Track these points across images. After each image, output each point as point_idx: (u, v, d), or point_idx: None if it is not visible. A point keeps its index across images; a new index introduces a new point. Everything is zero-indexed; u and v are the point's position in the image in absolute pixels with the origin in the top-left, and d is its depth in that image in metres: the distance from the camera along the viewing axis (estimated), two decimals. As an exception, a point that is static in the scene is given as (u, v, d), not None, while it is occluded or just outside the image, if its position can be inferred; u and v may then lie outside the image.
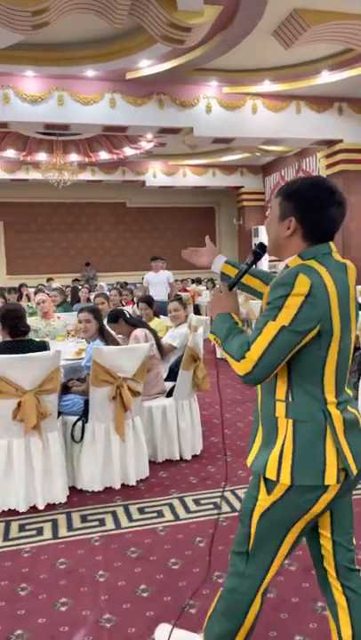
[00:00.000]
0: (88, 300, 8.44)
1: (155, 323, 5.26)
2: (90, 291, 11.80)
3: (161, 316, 5.56)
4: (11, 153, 13.12)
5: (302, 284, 1.46)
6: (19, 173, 13.89)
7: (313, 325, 1.47)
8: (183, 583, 2.51)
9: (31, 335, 5.54)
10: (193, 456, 4.08)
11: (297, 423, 1.53)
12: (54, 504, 3.33)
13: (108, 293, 9.68)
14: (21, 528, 3.09)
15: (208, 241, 2.05)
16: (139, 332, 4.23)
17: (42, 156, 13.11)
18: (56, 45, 8.02)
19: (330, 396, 1.53)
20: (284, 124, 9.92)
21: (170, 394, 4.09)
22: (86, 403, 3.56)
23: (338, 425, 1.52)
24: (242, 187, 15.39)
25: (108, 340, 3.87)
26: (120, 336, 4.35)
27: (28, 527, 3.10)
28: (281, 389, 1.56)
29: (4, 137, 12.47)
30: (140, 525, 3.08)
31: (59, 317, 5.52)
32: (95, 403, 3.48)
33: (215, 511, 3.21)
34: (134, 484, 3.59)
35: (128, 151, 13.40)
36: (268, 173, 14.98)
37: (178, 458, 4.01)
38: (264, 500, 1.58)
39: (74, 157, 13.38)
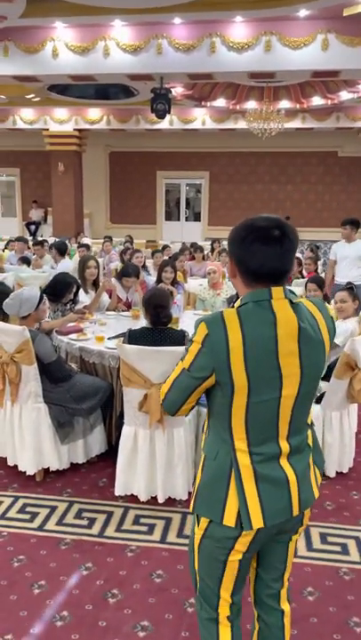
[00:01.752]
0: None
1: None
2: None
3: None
4: (221, 102, 12.92)
5: (200, 333, 1.47)
6: (227, 123, 13.67)
7: (206, 374, 1.47)
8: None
9: (198, 305, 5.51)
10: (337, 473, 3.60)
11: (206, 458, 1.58)
12: (175, 499, 3.24)
13: (300, 257, 9.12)
14: (136, 520, 3.08)
15: None
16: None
17: (251, 104, 12.65)
18: (266, -15, 7.39)
19: (240, 444, 1.50)
20: None
21: (319, 399, 3.62)
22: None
23: (245, 474, 1.49)
24: None
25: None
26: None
27: (142, 520, 3.08)
28: (206, 423, 1.63)
29: (215, 86, 12.29)
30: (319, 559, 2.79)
31: (218, 294, 5.29)
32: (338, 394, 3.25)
33: (340, 558, 2.78)
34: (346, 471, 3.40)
35: (344, 95, 12.14)
36: None
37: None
38: (197, 533, 1.61)
39: (284, 104, 12.62)
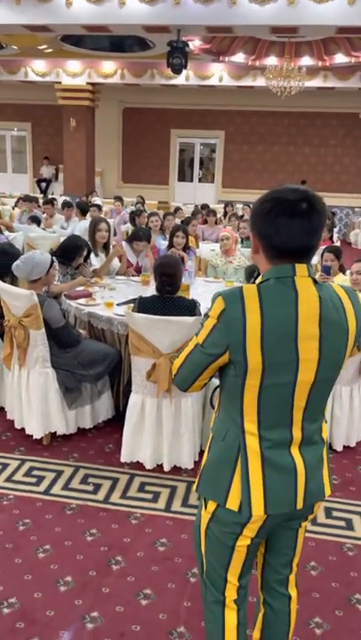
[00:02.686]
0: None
1: (339, 279, 4.60)
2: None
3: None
4: (240, 57, 12.45)
5: (217, 308, 1.41)
6: (245, 80, 13.20)
7: (220, 351, 1.42)
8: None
9: (209, 272, 5.42)
10: (345, 447, 3.59)
11: (213, 439, 1.55)
12: (180, 468, 3.25)
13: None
14: (141, 487, 3.09)
15: None
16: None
17: (271, 60, 12.16)
18: None
19: (250, 426, 1.45)
20: None
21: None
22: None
23: (252, 458, 1.45)
24: None
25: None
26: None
27: (147, 488, 3.09)
28: (217, 403, 1.58)
29: (234, 40, 11.80)
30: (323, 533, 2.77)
31: (230, 262, 5.18)
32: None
33: (344, 533, 2.78)
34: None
35: (369, 53, 11.64)
36: None
37: (326, 446, 3.55)
38: (204, 517, 1.58)
39: (306, 61, 12.13)
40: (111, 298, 4.01)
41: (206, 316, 1.44)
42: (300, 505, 1.49)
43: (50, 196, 12.23)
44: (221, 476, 1.49)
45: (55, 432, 3.48)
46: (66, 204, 8.42)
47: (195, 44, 11.13)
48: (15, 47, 11.58)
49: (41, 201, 9.43)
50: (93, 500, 2.95)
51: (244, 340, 1.36)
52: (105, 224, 4.91)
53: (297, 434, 1.46)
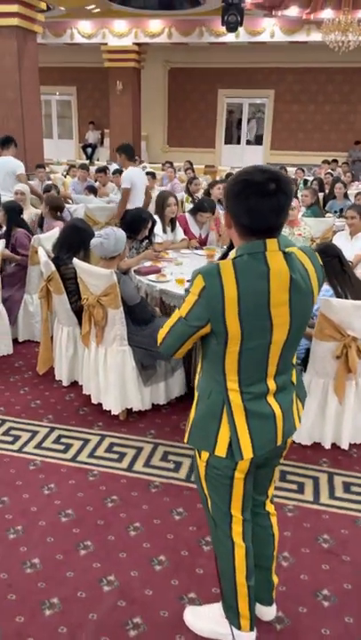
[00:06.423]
0: (345, 196, 7.56)
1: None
2: (353, 180, 10.66)
3: None
4: (293, 11, 11.83)
5: (197, 285, 1.54)
6: (299, 35, 12.58)
7: (202, 323, 1.57)
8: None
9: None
10: None
11: (199, 397, 1.74)
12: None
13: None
14: (164, 456, 3.19)
15: None
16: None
17: (327, 13, 11.50)
18: None
19: (232, 384, 1.64)
20: None
21: None
22: (307, 351, 3.24)
23: (236, 411, 1.64)
24: None
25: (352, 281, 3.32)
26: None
27: (170, 457, 3.18)
28: (200, 365, 1.76)
29: (289, -9, 11.20)
30: (338, 507, 2.81)
31: (299, 234, 5.01)
32: (317, 356, 3.13)
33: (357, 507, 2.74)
34: (346, 447, 3.27)
35: None
36: None
37: None
38: (200, 465, 1.79)
39: (364, 12, 11.43)
40: (181, 274, 3.97)
41: (187, 291, 1.58)
42: (279, 442, 1.72)
43: (99, 163, 12.13)
44: (209, 428, 1.69)
45: (131, 408, 3.53)
46: (117, 171, 8.32)
47: (247, -2, 10.63)
48: (62, 8, 11.34)
49: (92, 168, 9.37)
50: (176, 479, 2.99)
51: (224, 313, 1.53)
52: (173, 198, 4.82)
53: (272, 385, 1.67)
